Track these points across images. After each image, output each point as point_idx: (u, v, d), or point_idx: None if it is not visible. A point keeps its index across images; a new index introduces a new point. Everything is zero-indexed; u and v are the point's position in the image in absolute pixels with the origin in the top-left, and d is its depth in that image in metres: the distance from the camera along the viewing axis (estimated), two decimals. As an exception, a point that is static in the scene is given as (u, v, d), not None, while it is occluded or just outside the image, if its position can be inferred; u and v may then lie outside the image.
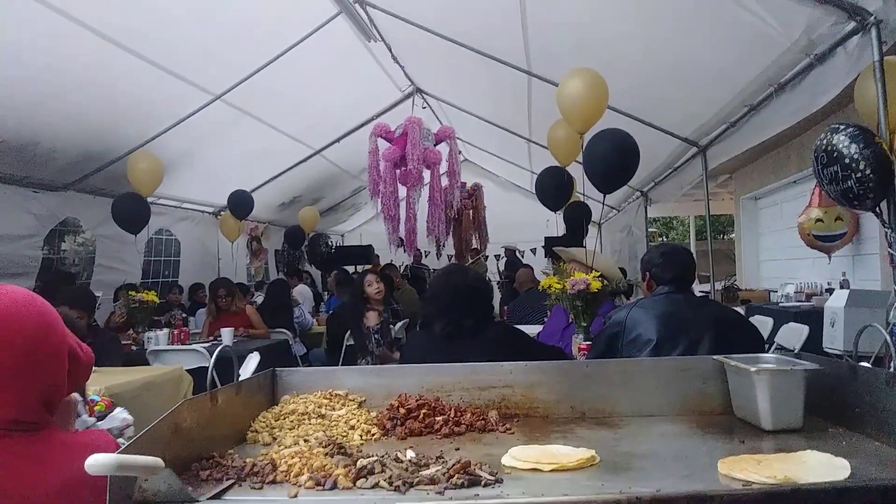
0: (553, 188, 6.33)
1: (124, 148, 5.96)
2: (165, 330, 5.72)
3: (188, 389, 4.31)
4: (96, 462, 0.99)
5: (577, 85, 4.29)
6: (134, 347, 5.58)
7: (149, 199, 6.35)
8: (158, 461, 1.09)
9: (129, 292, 5.95)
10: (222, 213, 8.30)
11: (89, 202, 6.46)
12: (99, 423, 2.39)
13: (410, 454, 1.42)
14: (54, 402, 1.33)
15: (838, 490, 1.17)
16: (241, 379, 1.86)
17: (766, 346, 5.16)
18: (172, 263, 8.44)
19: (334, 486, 1.27)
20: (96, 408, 3.20)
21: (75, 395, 1.76)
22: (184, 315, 7.36)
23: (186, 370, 4.51)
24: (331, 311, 7.48)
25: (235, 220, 8.16)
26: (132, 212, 6.18)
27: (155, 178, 6.25)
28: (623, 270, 8.45)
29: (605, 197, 4.35)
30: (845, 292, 5.30)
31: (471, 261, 10.12)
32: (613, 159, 4.12)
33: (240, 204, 7.95)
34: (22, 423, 1.26)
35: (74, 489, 1.23)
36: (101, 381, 3.64)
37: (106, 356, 4.49)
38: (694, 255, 3.11)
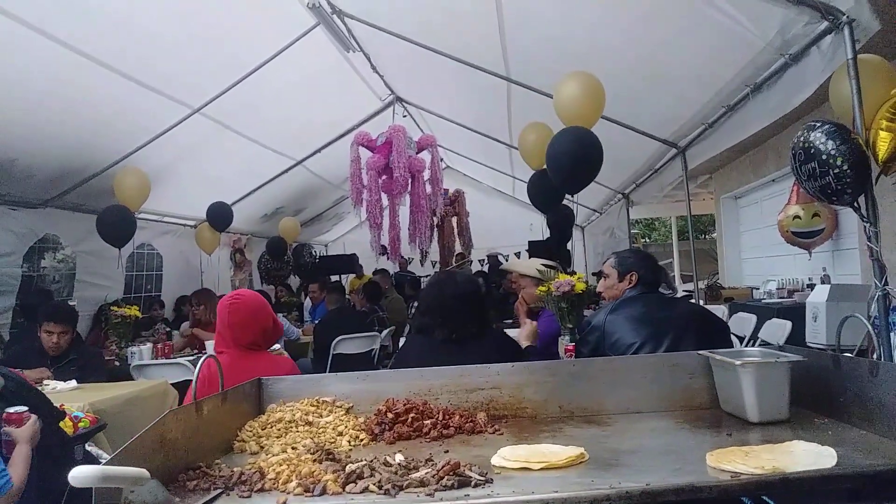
0: (545, 190, 6.33)
1: (103, 163, 5.90)
2: (148, 344, 5.66)
3: (173, 403, 4.25)
4: (80, 474, 0.98)
5: (575, 89, 4.28)
6: (117, 363, 5.50)
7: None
8: (143, 472, 1.07)
9: (111, 307, 5.88)
10: (199, 225, 8.23)
11: (69, 218, 6.37)
12: None
13: (399, 458, 1.42)
14: (268, 339, 2.83)
15: (825, 477, 1.18)
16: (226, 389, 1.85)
17: (751, 341, 5.22)
18: (155, 278, 8.33)
19: (323, 492, 1.26)
20: (80, 424, 3.17)
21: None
22: (167, 329, 7.28)
23: (171, 384, 4.45)
24: (318, 320, 7.44)
25: (212, 232, 8.07)
26: (117, 225, 6.06)
27: (142, 193, 6.22)
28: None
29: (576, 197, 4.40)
30: (826, 287, 5.36)
31: (456, 265, 10.13)
32: (576, 157, 4.15)
33: (218, 216, 7.88)
34: (256, 345, 2.75)
35: (275, 371, 2.41)
36: (84, 398, 3.59)
37: (90, 372, 4.43)
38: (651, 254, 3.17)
